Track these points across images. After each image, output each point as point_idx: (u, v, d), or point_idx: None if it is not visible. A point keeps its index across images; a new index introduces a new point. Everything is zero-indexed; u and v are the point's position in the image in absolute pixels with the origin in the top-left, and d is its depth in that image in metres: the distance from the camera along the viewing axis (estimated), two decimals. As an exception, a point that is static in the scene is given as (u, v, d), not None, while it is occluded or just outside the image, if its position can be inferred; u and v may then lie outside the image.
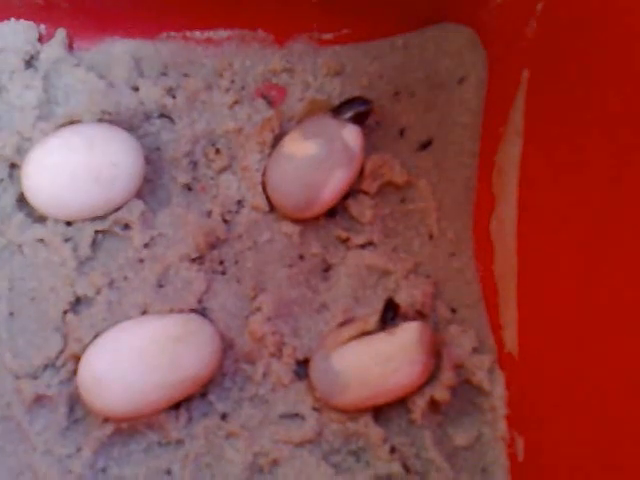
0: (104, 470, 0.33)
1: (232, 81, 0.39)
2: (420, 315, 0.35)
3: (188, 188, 0.37)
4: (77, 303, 0.35)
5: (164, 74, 0.38)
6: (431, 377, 0.34)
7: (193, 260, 0.35)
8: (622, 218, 0.28)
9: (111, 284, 0.35)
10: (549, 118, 0.32)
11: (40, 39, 0.38)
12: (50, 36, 0.38)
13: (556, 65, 0.32)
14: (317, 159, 0.35)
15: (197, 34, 0.39)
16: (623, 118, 0.28)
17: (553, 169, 0.32)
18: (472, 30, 0.38)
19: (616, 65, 0.28)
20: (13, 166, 0.36)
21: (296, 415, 0.34)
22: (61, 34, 0.38)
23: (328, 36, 0.39)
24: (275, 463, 0.34)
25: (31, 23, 0.38)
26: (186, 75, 0.38)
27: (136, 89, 0.37)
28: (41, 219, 0.35)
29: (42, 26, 0.38)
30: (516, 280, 0.34)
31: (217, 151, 0.38)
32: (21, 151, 0.35)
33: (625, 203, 0.28)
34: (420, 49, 0.39)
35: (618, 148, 0.28)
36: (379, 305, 0.34)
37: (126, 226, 0.35)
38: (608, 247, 0.28)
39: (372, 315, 0.34)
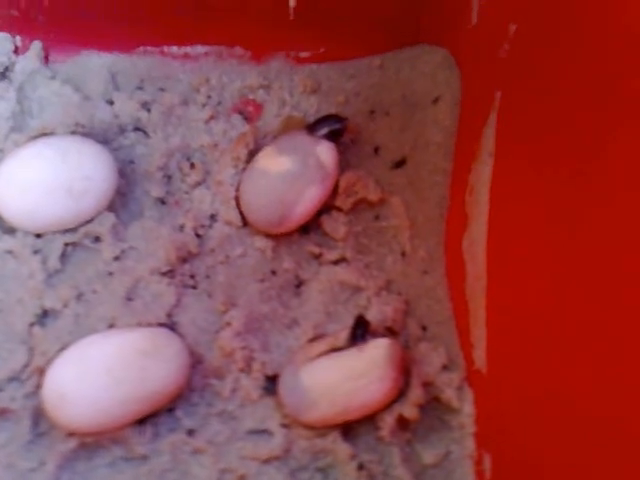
0: (68, 485, 0.33)
1: (208, 96, 0.39)
2: (391, 332, 0.35)
3: (161, 202, 0.37)
4: (44, 316, 0.34)
5: (140, 88, 0.38)
6: (400, 394, 0.33)
7: (164, 274, 0.35)
8: (591, 240, 0.28)
9: (79, 297, 0.34)
10: (520, 139, 0.33)
11: (16, 51, 0.38)
12: (26, 48, 0.38)
13: (527, 87, 0.32)
14: (291, 175, 0.35)
15: (174, 49, 0.39)
16: (591, 141, 0.28)
17: (523, 190, 0.32)
18: (447, 51, 0.38)
19: (586, 88, 0.28)
20: (-16, 177, 0.35)
21: (264, 431, 0.34)
22: (37, 46, 0.38)
23: (305, 54, 0.40)
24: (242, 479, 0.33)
25: (7, 34, 0.38)
26: (162, 90, 0.38)
27: (111, 103, 0.37)
28: (10, 230, 0.35)
29: (18, 38, 0.38)
30: (485, 299, 0.34)
31: (192, 165, 0.37)
32: (-8, 162, 0.35)
33: (594, 224, 0.28)
34: (396, 69, 0.39)
35: (587, 169, 0.28)
36: (350, 321, 0.34)
37: (97, 239, 0.35)
38: (576, 268, 0.29)
39: (342, 331, 0.34)
